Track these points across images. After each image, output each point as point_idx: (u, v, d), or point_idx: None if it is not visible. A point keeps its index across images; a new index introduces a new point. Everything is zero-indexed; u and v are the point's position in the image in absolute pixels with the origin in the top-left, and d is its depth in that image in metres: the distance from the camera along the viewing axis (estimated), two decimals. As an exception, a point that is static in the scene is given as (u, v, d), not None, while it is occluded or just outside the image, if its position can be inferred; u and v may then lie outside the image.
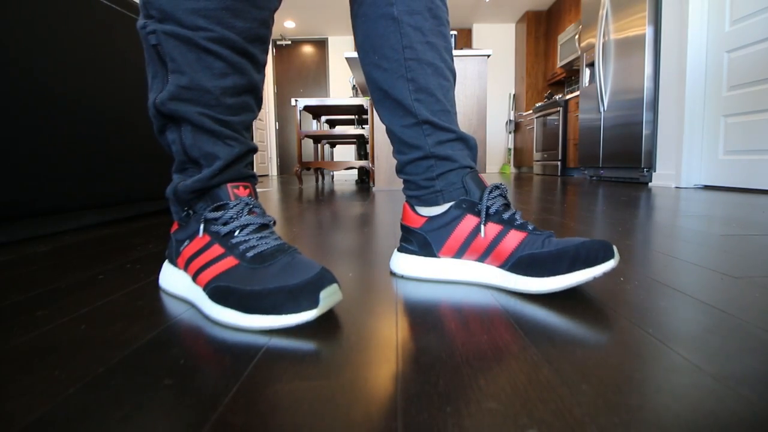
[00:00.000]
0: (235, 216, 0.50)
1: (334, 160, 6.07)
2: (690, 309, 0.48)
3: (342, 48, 6.79)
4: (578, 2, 4.99)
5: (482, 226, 0.56)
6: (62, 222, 1.15)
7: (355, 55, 2.61)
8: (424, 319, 0.46)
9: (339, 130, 3.22)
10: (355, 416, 0.29)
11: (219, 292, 0.46)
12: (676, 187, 2.54)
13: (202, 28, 0.47)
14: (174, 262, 0.56)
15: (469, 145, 0.62)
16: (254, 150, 0.56)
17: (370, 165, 3.05)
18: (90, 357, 0.38)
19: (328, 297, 0.44)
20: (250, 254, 0.48)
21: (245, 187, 0.53)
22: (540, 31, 6.15)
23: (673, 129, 2.65)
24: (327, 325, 0.45)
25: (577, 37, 4.43)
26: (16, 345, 0.41)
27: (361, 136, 3.25)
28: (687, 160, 2.53)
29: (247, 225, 0.50)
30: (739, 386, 0.31)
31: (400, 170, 0.65)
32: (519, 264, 0.53)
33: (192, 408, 0.30)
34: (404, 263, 0.63)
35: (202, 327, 0.45)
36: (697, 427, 0.27)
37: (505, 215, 0.57)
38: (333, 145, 5.05)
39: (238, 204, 0.51)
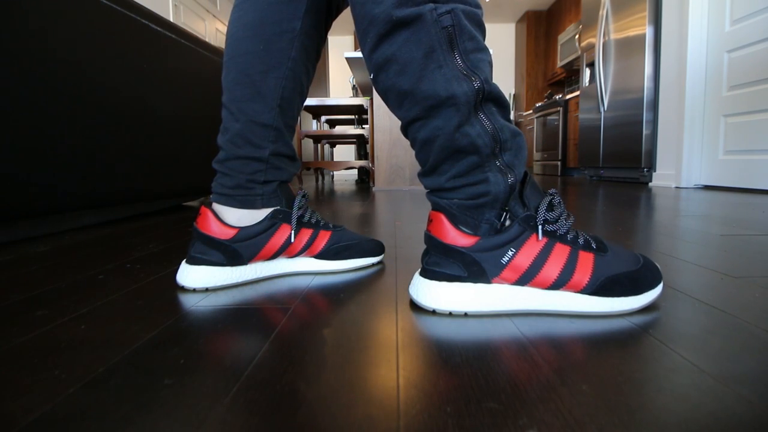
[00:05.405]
0: (562, 211, 0.48)
1: (334, 160, 6.07)
2: (690, 309, 0.48)
3: (342, 48, 6.79)
4: (578, 2, 4.99)
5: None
6: (62, 222, 1.15)
7: (355, 54, 2.60)
8: (424, 319, 0.46)
9: (339, 130, 3.22)
10: (355, 416, 0.28)
11: (611, 284, 0.46)
12: (676, 187, 2.54)
13: (479, 6, 0.46)
14: (487, 280, 0.47)
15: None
16: None
17: (370, 165, 3.05)
18: (90, 357, 0.38)
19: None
20: (593, 245, 0.48)
21: None
22: (540, 31, 6.15)
23: (673, 129, 2.65)
24: (327, 325, 0.45)
25: (577, 37, 4.43)
26: (16, 345, 0.41)
27: (361, 136, 3.25)
28: (687, 160, 2.53)
29: (561, 216, 0.48)
30: (740, 387, 0.31)
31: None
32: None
33: (192, 408, 0.30)
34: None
35: (202, 327, 0.45)
36: (697, 427, 0.27)
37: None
38: (333, 145, 5.05)
39: (553, 196, 0.48)
